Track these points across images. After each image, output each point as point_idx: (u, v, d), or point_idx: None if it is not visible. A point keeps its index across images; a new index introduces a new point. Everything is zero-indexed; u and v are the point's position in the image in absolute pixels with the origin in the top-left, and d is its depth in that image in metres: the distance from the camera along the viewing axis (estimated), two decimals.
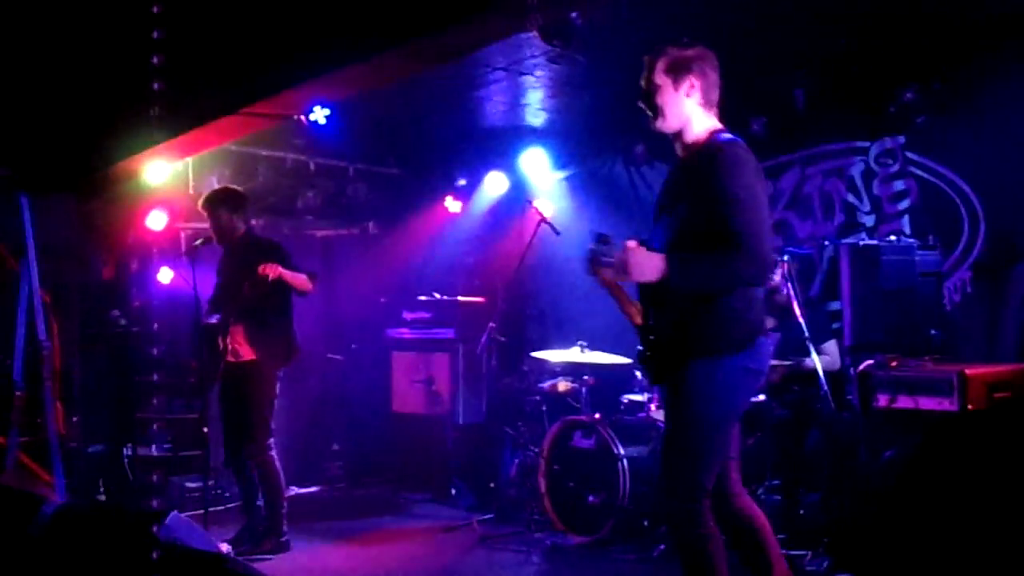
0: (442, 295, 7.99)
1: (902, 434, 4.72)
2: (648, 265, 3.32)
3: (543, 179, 8.14)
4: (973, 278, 5.78)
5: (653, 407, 6.17)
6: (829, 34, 5.58)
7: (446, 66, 5.83)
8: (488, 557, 5.74)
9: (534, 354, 6.71)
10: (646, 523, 5.66)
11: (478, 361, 7.50)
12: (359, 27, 4.48)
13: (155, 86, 5.23)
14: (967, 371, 4.59)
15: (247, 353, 5.74)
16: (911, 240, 5.35)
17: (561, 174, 8.20)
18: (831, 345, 5.66)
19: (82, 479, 6.68)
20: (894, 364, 4.93)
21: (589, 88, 6.65)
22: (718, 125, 3.58)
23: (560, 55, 5.75)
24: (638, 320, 3.60)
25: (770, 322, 4.92)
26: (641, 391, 6.35)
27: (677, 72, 3.54)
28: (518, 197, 8.01)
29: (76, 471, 6.47)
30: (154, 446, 7.43)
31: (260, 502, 5.87)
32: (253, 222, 6.35)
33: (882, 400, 4.88)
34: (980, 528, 1.72)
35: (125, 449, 7.20)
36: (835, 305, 5.96)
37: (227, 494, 7.02)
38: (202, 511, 5.75)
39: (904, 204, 6.13)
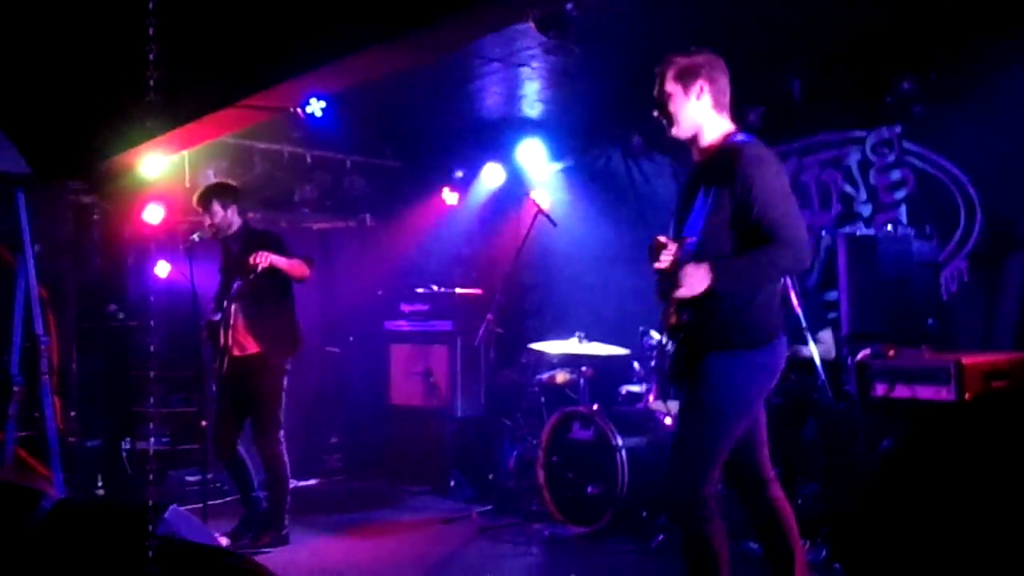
0: (440, 287, 7.98)
1: (899, 423, 4.73)
2: (698, 277, 3.40)
3: (540, 171, 8.13)
4: (970, 267, 5.79)
5: (651, 398, 6.18)
6: (826, 23, 5.56)
7: (442, 58, 5.82)
8: (487, 548, 5.75)
9: (532, 346, 6.71)
10: (644, 514, 5.67)
11: (476, 353, 7.51)
12: (355, 19, 4.46)
13: (151, 79, 5.22)
14: (964, 360, 4.60)
15: (253, 346, 5.74)
16: (908, 229, 5.35)
17: (558, 165, 8.19)
18: (826, 334, 5.67)
19: (80, 473, 6.68)
20: (891, 353, 4.94)
21: (586, 79, 6.64)
22: (732, 127, 3.67)
23: (556, 46, 5.74)
24: (672, 320, 3.63)
25: None
26: (639, 382, 6.36)
27: (686, 79, 3.62)
28: (515, 189, 8.01)
29: (74, 465, 6.47)
30: (152, 440, 7.44)
31: (257, 494, 5.89)
32: (250, 215, 6.34)
33: (879, 389, 4.89)
34: (966, 520, 1.72)
35: (123, 443, 7.21)
36: (832, 295, 5.97)
37: (226, 487, 7.01)
38: (201, 504, 5.75)
39: (901, 194, 6.13)
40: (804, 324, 4.94)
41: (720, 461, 3.50)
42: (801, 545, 3.71)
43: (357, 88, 5.60)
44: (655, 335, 6.25)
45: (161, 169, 6.83)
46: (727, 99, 3.67)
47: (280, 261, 5.59)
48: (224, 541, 5.46)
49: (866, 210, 6.30)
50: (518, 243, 6.59)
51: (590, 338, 6.36)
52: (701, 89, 3.60)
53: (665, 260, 3.54)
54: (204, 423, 5.97)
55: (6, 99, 5.89)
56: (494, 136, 7.99)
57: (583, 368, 6.43)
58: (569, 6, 4.87)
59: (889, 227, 5.41)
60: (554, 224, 6.50)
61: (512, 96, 7.12)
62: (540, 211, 6.45)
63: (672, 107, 3.64)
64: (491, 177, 8.34)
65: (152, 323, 7.62)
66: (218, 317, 5.82)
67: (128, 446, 7.21)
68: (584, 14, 4.95)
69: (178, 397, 7.62)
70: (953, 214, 5.84)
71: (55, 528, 2.38)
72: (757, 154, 3.48)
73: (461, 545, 5.85)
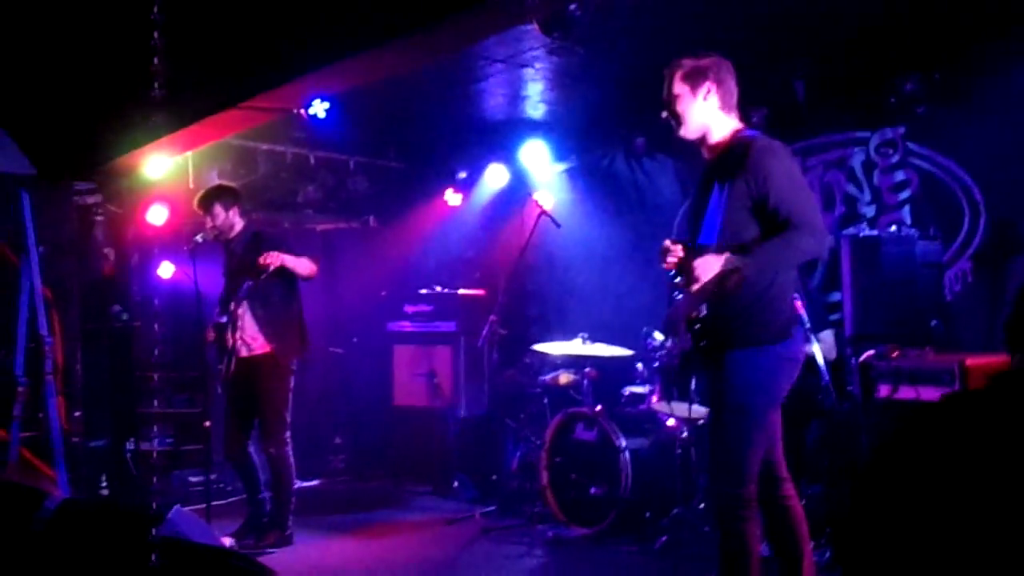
0: (443, 288, 7.99)
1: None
2: (709, 263, 3.47)
3: (543, 171, 8.13)
4: (974, 268, 5.78)
5: (655, 399, 6.17)
6: (829, 24, 5.56)
7: (446, 59, 5.83)
8: (490, 549, 5.75)
9: (535, 346, 6.71)
10: (648, 515, 5.67)
11: (479, 354, 7.51)
12: (358, 20, 4.47)
13: (155, 81, 5.23)
14: (968, 361, 4.59)
15: (261, 346, 5.75)
16: (912, 231, 5.35)
17: (561, 166, 8.19)
18: (827, 334, 5.66)
19: (84, 474, 6.68)
20: (895, 355, 4.93)
21: (589, 80, 6.64)
22: (740, 125, 3.74)
23: (560, 47, 5.75)
24: (693, 315, 3.67)
25: None
26: (643, 383, 6.35)
27: (693, 80, 3.69)
28: (518, 190, 8.00)
29: (78, 466, 6.48)
30: (156, 441, 7.45)
31: (263, 495, 5.90)
32: (254, 216, 6.35)
33: (883, 391, 4.88)
34: (947, 515, 1.74)
35: (127, 444, 7.22)
36: (836, 296, 5.97)
37: (229, 488, 7.03)
38: (205, 505, 5.75)
39: (905, 194, 6.12)
40: (808, 325, 4.94)
41: (759, 456, 3.58)
42: (811, 545, 3.74)
43: (360, 89, 5.62)
44: (658, 336, 6.25)
45: (165, 170, 6.84)
46: (735, 100, 3.73)
47: (290, 260, 5.61)
48: (228, 542, 5.47)
49: (870, 211, 6.29)
50: (521, 244, 6.59)
51: (593, 339, 6.35)
52: (708, 90, 3.66)
53: (671, 262, 3.60)
54: (208, 424, 5.96)
55: (11, 100, 5.90)
56: (497, 137, 7.99)
57: (586, 369, 6.43)
58: (573, 7, 4.87)
59: (893, 228, 5.41)
60: (557, 225, 6.50)
61: (516, 97, 7.12)
62: (543, 212, 6.45)
63: (680, 108, 3.70)
64: (494, 178, 8.34)
65: (156, 323, 7.63)
66: (224, 319, 5.83)
67: (132, 446, 7.21)
68: (587, 16, 4.95)
69: (182, 398, 7.63)
70: (957, 215, 5.83)
71: (59, 528, 2.38)
72: (768, 145, 3.56)
73: (464, 546, 5.85)
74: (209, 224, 5.86)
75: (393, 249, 8.72)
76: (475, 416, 7.59)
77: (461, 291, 7.92)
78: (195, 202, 5.95)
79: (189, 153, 6.95)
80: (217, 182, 6.21)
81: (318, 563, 5.51)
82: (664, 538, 5.46)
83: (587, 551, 5.66)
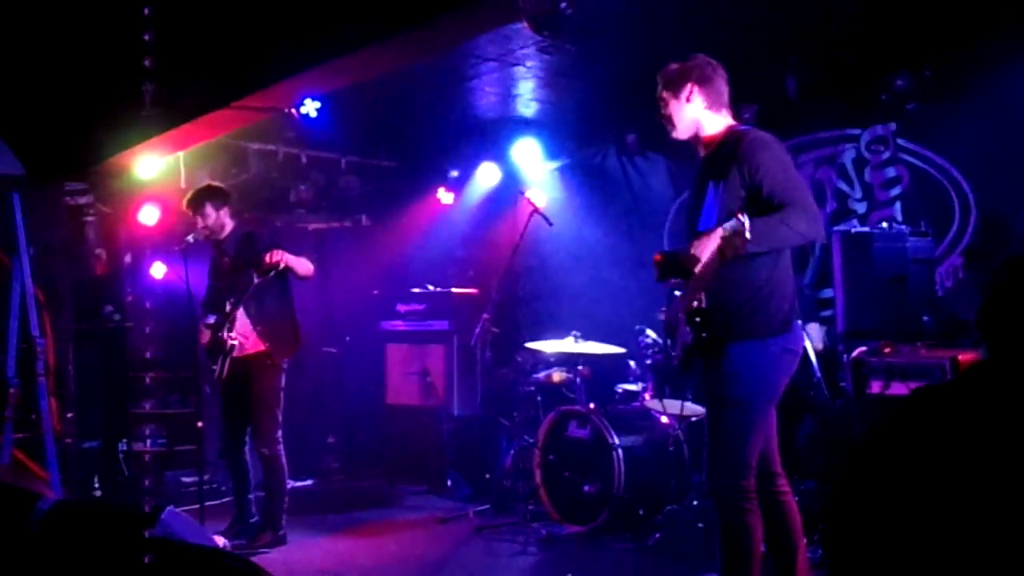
0: (435, 287, 7.98)
1: None
2: (706, 241, 3.49)
3: (535, 170, 8.13)
4: (965, 264, 5.80)
5: (648, 396, 6.18)
6: (820, 21, 5.57)
7: (437, 58, 5.83)
8: (484, 548, 5.75)
9: (528, 345, 6.71)
10: (641, 512, 5.68)
11: (472, 352, 7.51)
12: (348, 19, 4.47)
13: (146, 81, 5.22)
14: (960, 356, 4.61)
15: (254, 345, 5.74)
16: (903, 227, 5.36)
17: (553, 164, 8.19)
18: (813, 327, 5.67)
19: (77, 475, 6.67)
20: (887, 350, 4.95)
21: (580, 78, 6.64)
22: (733, 122, 3.81)
23: (550, 45, 5.75)
24: (692, 305, 3.67)
25: None
26: (635, 381, 6.36)
27: (676, 84, 3.78)
28: (510, 188, 8.00)
29: (71, 467, 6.47)
30: (149, 441, 7.43)
31: (251, 496, 5.90)
32: (245, 215, 6.34)
33: (875, 387, 4.90)
34: (924, 508, 1.76)
35: (120, 444, 7.20)
36: (828, 292, 5.98)
37: (223, 488, 7.01)
38: (198, 506, 5.74)
39: (896, 191, 6.14)
40: (800, 321, 4.95)
41: (758, 448, 3.60)
42: (804, 541, 3.76)
43: (352, 88, 5.61)
44: (651, 334, 6.26)
45: (156, 170, 6.82)
46: (724, 99, 3.78)
47: (292, 259, 5.62)
48: (221, 542, 5.46)
49: (861, 207, 6.31)
50: (514, 242, 6.59)
51: (586, 337, 6.35)
52: (691, 91, 3.74)
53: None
54: (200, 424, 5.95)
55: (1, 100, 5.89)
56: (489, 135, 8.00)
57: (579, 367, 6.43)
58: (563, 5, 4.86)
59: (884, 224, 5.42)
60: (550, 223, 6.50)
61: (507, 95, 7.13)
62: (535, 210, 6.45)
63: (668, 111, 3.81)
64: (486, 176, 8.34)
65: (148, 324, 7.62)
66: (211, 320, 5.82)
67: (125, 447, 7.20)
68: (578, 13, 4.95)
69: (175, 398, 7.62)
70: (948, 211, 5.85)
71: (52, 530, 2.37)
72: (760, 136, 3.62)
73: (458, 544, 5.85)
74: (200, 224, 5.84)
75: (385, 248, 8.71)
76: (468, 415, 7.59)
77: (454, 290, 7.91)
78: (184, 202, 5.92)
79: (181, 153, 6.94)
80: (207, 182, 6.18)
81: (312, 563, 5.50)
82: (657, 535, 5.47)
83: (581, 549, 5.66)
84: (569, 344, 6.34)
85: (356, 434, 8.39)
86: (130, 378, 7.45)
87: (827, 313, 6.11)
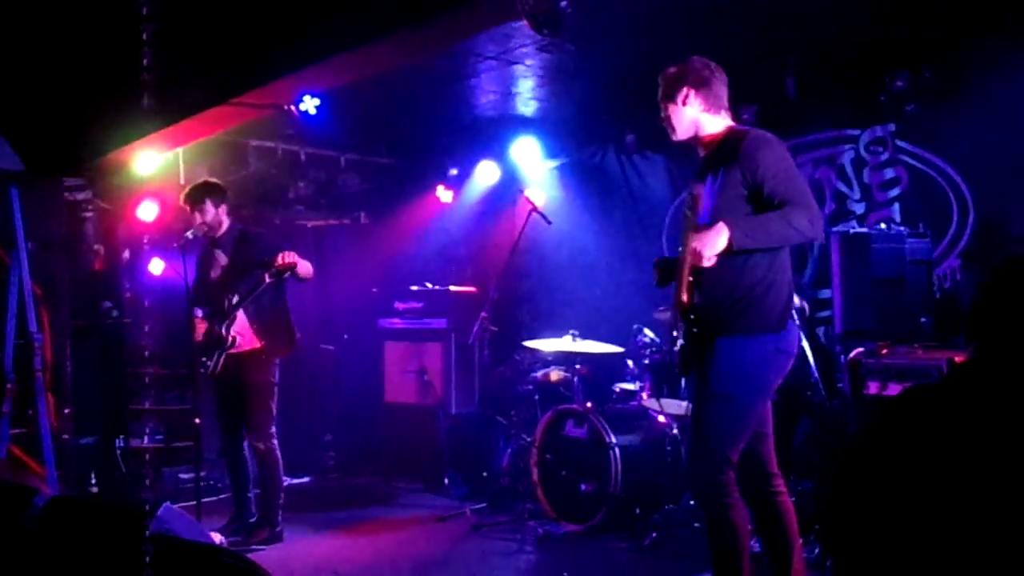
0: (434, 285, 7.98)
1: None
2: (715, 237, 3.47)
3: (534, 168, 8.13)
4: (963, 265, 5.80)
5: (645, 396, 6.18)
6: (820, 22, 5.57)
7: (436, 55, 5.82)
8: (481, 546, 5.75)
9: (526, 343, 6.71)
10: (638, 511, 5.68)
11: (470, 351, 7.51)
12: (348, 16, 4.46)
13: (145, 76, 5.21)
14: (957, 358, 4.60)
15: (249, 342, 5.74)
16: (901, 228, 5.37)
17: (552, 163, 8.19)
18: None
19: (74, 471, 6.67)
20: (884, 352, 4.95)
21: (580, 77, 6.64)
22: (732, 123, 3.82)
23: (550, 44, 5.74)
24: (684, 299, 3.66)
25: None
26: (633, 380, 6.37)
27: (673, 88, 3.80)
28: (509, 186, 8.01)
29: (68, 463, 6.46)
30: (146, 437, 7.43)
31: (250, 494, 5.90)
32: (243, 212, 6.33)
33: (872, 388, 4.90)
34: (915, 505, 1.78)
35: (117, 440, 7.20)
36: (826, 293, 5.98)
37: (219, 485, 7.01)
38: (194, 502, 5.74)
39: (894, 192, 6.14)
40: (797, 322, 4.95)
41: (740, 446, 3.59)
42: (800, 541, 3.76)
43: (351, 85, 5.61)
44: (649, 333, 6.26)
45: (155, 166, 6.82)
46: (723, 101, 3.79)
47: (301, 261, 5.61)
48: (218, 538, 5.46)
49: (860, 208, 6.31)
50: (512, 241, 6.59)
51: (584, 336, 6.36)
52: (687, 95, 3.76)
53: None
54: (198, 420, 5.95)
55: (0, 96, 5.88)
56: (488, 134, 7.99)
57: (577, 366, 6.44)
58: (563, 4, 4.86)
59: (883, 225, 5.42)
60: (548, 222, 6.51)
61: (506, 94, 7.12)
62: (534, 209, 6.45)
63: (666, 115, 3.83)
64: (485, 175, 8.34)
65: (147, 320, 7.61)
66: (200, 314, 5.83)
67: (122, 443, 7.20)
68: (578, 12, 4.95)
69: (172, 395, 7.61)
70: (946, 212, 5.85)
71: (49, 526, 2.37)
72: (761, 135, 3.64)
73: (455, 543, 5.86)
74: (199, 220, 5.84)
75: (384, 246, 8.71)
76: (466, 413, 7.59)
77: (452, 288, 7.91)
78: (183, 198, 5.92)
79: (180, 149, 6.93)
80: (205, 178, 6.18)
81: (308, 560, 5.51)
82: (654, 534, 5.47)
83: (577, 547, 5.66)
84: (567, 343, 6.34)
85: (353, 432, 8.39)
86: (128, 374, 7.45)
87: (825, 314, 6.12)
